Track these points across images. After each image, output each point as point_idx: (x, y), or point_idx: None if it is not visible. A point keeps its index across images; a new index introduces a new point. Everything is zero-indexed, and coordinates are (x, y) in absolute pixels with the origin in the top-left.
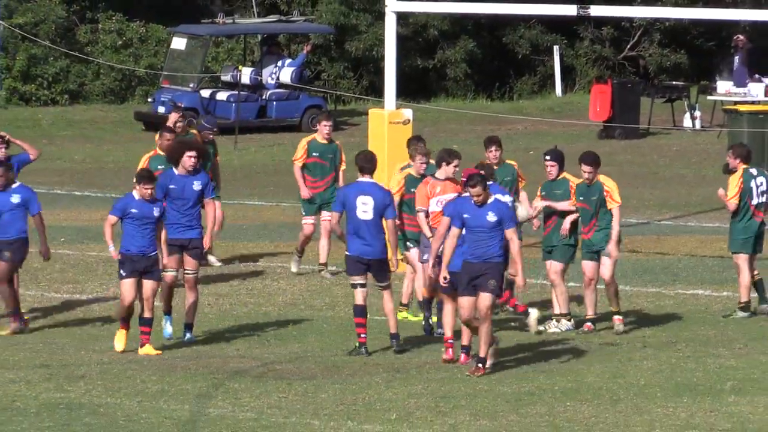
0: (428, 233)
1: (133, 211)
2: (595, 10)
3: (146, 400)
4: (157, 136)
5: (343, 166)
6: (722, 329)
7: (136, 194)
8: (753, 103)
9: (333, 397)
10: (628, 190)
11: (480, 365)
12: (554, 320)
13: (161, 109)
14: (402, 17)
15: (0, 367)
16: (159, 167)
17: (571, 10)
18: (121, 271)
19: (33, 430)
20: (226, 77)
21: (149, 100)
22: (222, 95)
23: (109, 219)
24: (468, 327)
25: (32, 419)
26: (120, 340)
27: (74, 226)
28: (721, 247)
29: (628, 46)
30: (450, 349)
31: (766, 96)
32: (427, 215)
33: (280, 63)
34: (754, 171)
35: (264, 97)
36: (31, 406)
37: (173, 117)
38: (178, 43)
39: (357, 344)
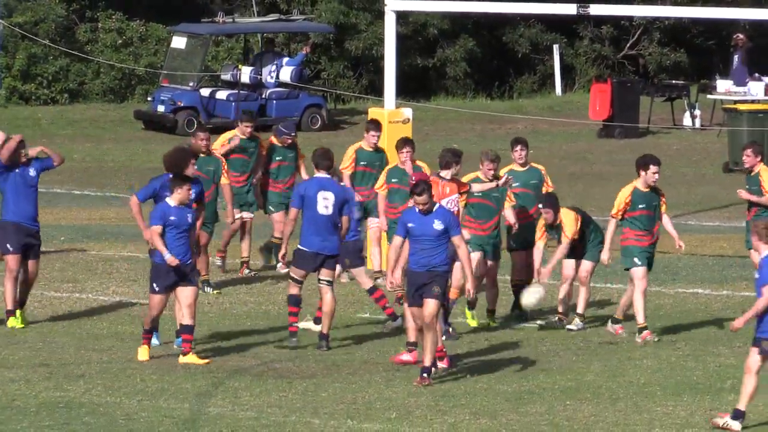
0: None
1: (172, 218)
2: (595, 9)
3: (146, 399)
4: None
5: None
6: (722, 328)
7: (171, 201)
8: (753, 101)
9: (333, 395)
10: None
11: (425, 375)
12: (577, 317)
13: (161, 108)
14: (402, 16)
15: (0, 366)
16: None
17: (570, 8)
18: (154, 285)
19: (33, 429)
20: (226, 76)
21: (149, 99)
22: (222, 94)
23: (154, 230)
24: (421, 333)
25: (32, 418)
26: (143, 354)
27: (74, 225)
28: (720, 246)
29: (628, 45)
30: (406, 354)
31: (765, 95)
32: None
33: (277, 62)
34: None
35: (264, 96)
36: (30, 405)
37: (200, 136)
38: (178, 42)
39: (290, 333)
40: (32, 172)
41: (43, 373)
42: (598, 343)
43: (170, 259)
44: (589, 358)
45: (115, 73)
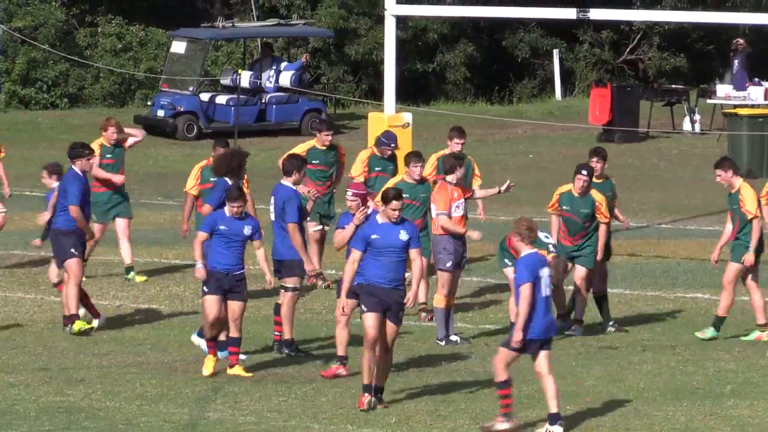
0: (461, 230)
1: (222, 228)
2: (595, 14)
3: (146, 404)
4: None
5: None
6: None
7: (227, 210)
8: (752, 106)
9: (333, 400)
10: (627, 193)
11: (379, 396)
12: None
13: (161, 113)
14: (401, 21)
15: (0, 371)
16: (211, 179)
17: (570, 13)
18: (204, 288)
19: None
20: (226, 81)
21: (149, 103)
22: (221, 99)
23: (198, 235)
24: (370, 350)
25: (32, 423)
26: (207, 367)
27: None
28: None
29: (628, 50)
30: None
31: (765, 99)
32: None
33: (276, 66)
34: None
35: (263, 100)
36: (30, 410)
37: (326, 132)
38: (178, 46)
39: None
40: None
41: (42, 377)
42: (598, 348)
43: (199, 268)
44: (589, 363)
45: (115, 78)
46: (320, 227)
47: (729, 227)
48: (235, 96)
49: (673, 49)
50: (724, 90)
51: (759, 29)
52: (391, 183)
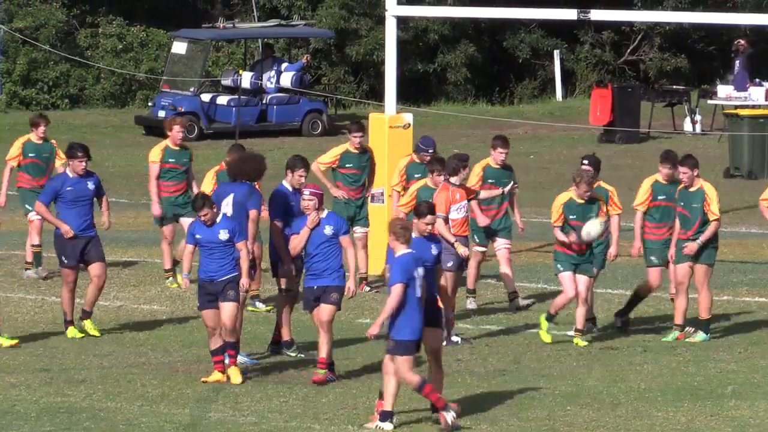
0: (451, 239)
1: (198, 236)
2: (596, 14)
3: (146, 405)
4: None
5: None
6: (723, 333)
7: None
8: (753, 107)
9: (334, 401)
10: (628, 194)
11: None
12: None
13: (162, 114)
14: (402, 21)
15: (0, 372)
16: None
17: (571, 14)
18: (198, 303)
19: None
20: (227, 81)
21: (150, 104)
22: (222, 100)
23: (186, 248)
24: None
25: (33, 423)
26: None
27: None
28: (721, 251)
29: (629, 50)
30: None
31: (766, 100)
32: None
33: (277, 67)
34: None
35: (264, 101)
36: (31, 411)
37: (357, 134)
38: (179, 47)
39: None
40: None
41: (43, 378)
42: (599, 349)
43: (185, 281)
44: (590, 363)
45: (116, 79)
46: (365, 230)
47: (678, 224)
48: (236, 97)
49: (674, 49)
50: (725, 91)
51: (760, 30)
52: (413, 189)
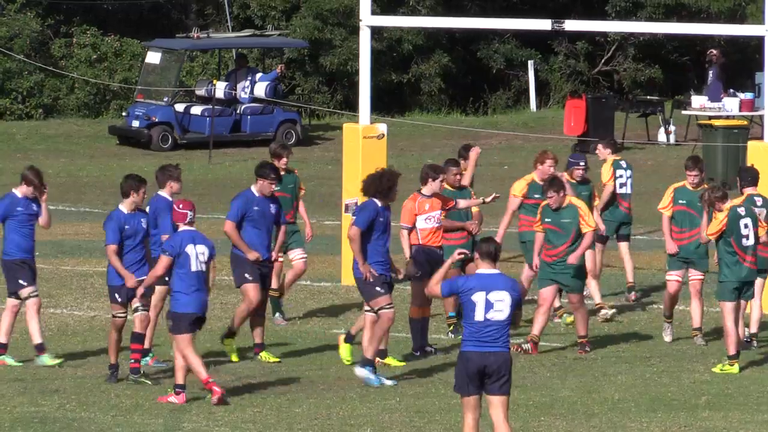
0: (408, 252)
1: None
2: (570, 25)
3: (120, 415)
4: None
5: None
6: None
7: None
8: (728, 117)
9: (307, 411)
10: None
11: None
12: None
13: (135, 123)
14: (376, 32)
15: None
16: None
17: (545, 24)
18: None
19: None
20: (201, 91)
21: (123, 114)
22: (196, 109)
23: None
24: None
25: None
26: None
27: (48, 241)
28: None
29: (603, 61)
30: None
31: (740, 111)
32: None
33: (251, 77)
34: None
35: (238, 111)
36: (5, 420)
37: (454, 171)
38: (153, 57)
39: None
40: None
41: (17, 388)
42: (573, 359)
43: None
44: (564, 374)
45: (90, 89)
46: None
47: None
48: (210, 107)
49: (648, 60)
50: (699, 101)
51: (734, 40)
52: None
